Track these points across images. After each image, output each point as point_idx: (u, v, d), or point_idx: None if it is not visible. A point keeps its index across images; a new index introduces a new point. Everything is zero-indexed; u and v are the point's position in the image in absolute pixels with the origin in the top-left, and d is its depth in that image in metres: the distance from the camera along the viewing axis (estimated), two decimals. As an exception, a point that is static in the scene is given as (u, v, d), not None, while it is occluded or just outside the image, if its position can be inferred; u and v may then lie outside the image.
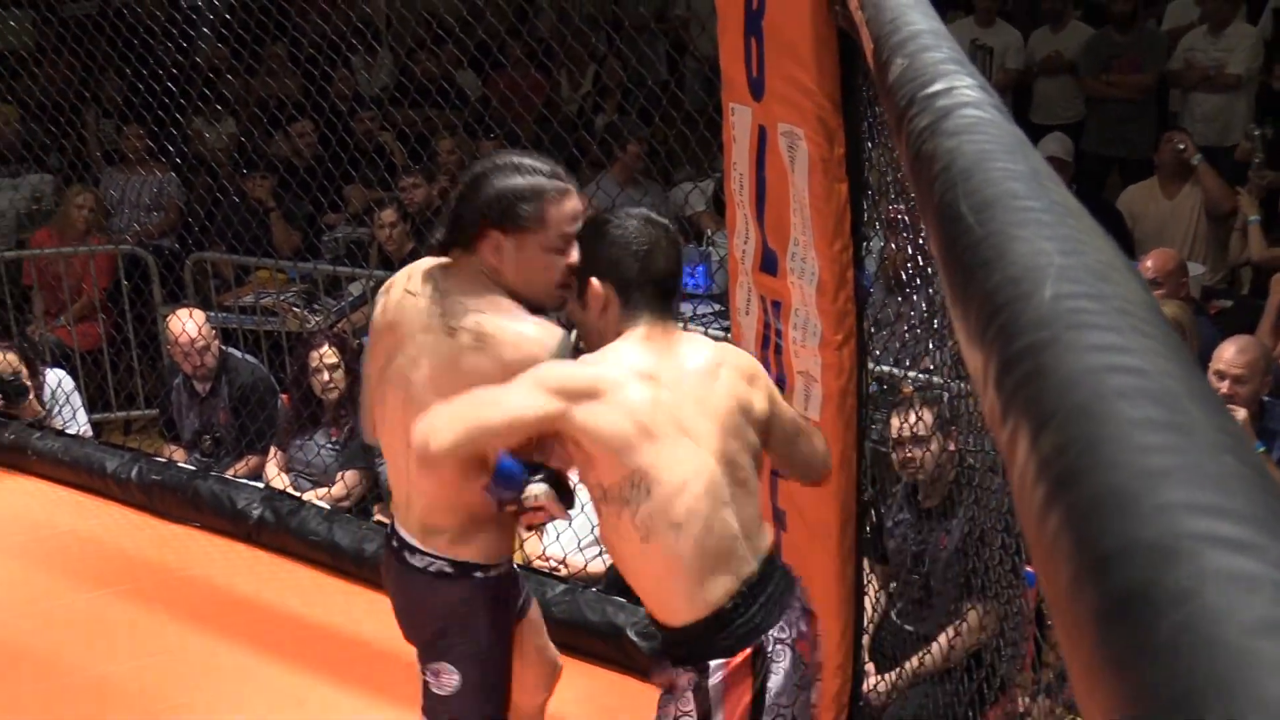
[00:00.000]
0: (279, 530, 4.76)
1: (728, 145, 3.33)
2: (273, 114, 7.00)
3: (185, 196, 7.34)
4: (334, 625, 4.36)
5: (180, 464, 5.27)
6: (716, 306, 5.81)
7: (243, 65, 7.28)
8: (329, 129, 6.18)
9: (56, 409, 5.66)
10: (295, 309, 6.50)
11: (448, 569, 2.69)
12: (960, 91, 1.35)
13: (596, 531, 4.63)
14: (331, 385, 5.17)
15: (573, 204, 2.69)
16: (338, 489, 5.06)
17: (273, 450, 5.36)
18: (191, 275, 6.53)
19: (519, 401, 2.47)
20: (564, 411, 2.46)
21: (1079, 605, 0.55)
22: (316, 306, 6.49)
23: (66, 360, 6.12)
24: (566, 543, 4.67)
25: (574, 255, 2.67)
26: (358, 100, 7.75)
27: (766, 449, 2.72)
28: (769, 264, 3.23)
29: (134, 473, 5.13)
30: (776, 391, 2.74)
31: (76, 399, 5.77)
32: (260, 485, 5.02)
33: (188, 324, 5.49)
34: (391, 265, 6.45)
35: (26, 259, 6.85)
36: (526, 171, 2.67)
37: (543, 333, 2.62)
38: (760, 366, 2.78)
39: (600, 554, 4.65)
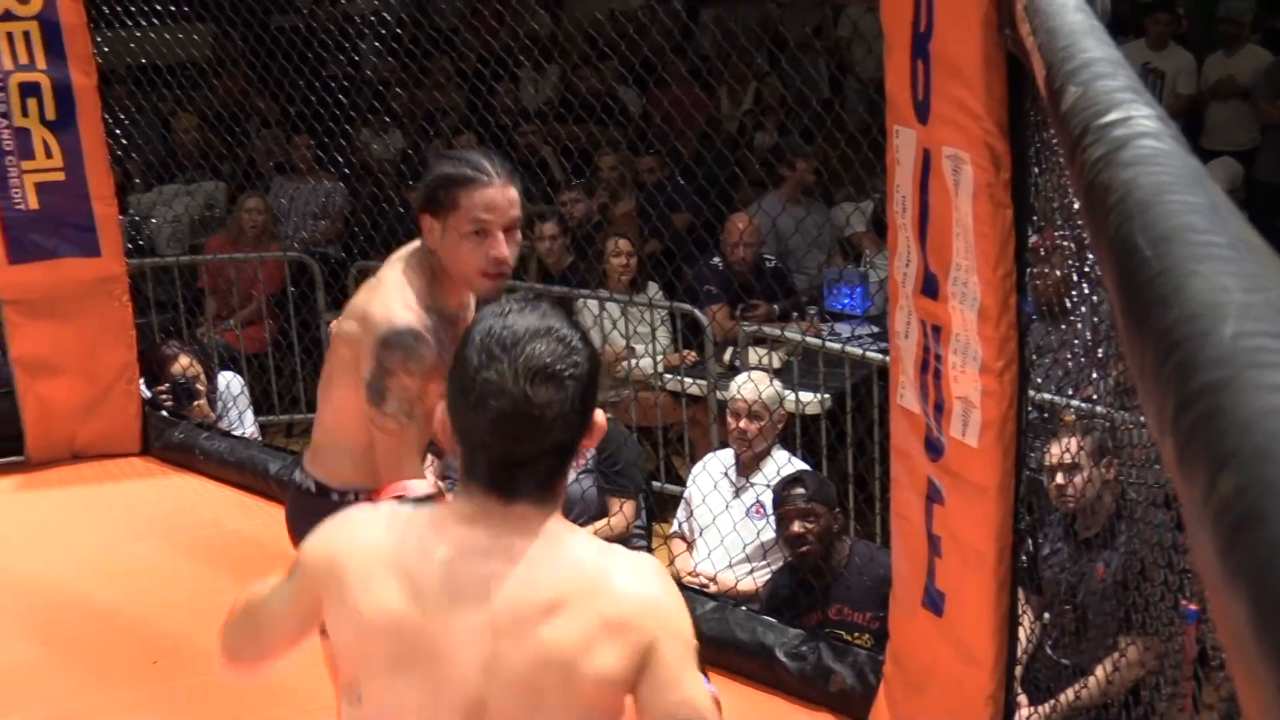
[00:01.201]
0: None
1: (891, 167, 3.31)
2: (438, 126, 7.11)
3: (350, 205, 7.47)
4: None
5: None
6: (875, 329, 5.77)
7: (410, 79, 7.40)
8: (493, 142, 6.27)
9: (225, 410, 5.79)
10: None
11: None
12: (1137, 121, 1.33)
13: (748, 549, 4.64)
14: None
15: (488, 193, 2.79)
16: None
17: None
18: (355, 282, 6.65)
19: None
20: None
21: (1258, 648, 0.55)
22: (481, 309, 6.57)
23: (234, 363, 6.26)
24: (717, 560, 4.67)
25: (501, 248, 2.78)
26: (521, 114, 7.84)
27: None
28: (930, 288, 3.20)
29: (296, 475, 5.22)
30: (666, 657, 1.84)
31: (245, 401, 5.90)
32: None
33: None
34: (551, 277, 6.53)
35: (199, 264, 7.04)
36: (457, 163, 2.86)
37: (385, 316, 2.76)
38: (650, 614, 1.85)
39: (751, 572, 4.64)
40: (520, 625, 1.78)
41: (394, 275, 2.87)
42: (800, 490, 4.26)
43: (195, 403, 5.67)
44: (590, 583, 1.81)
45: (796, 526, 4.23)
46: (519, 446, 1.77)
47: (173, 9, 5.86)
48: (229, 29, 6.91)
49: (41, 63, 5.20)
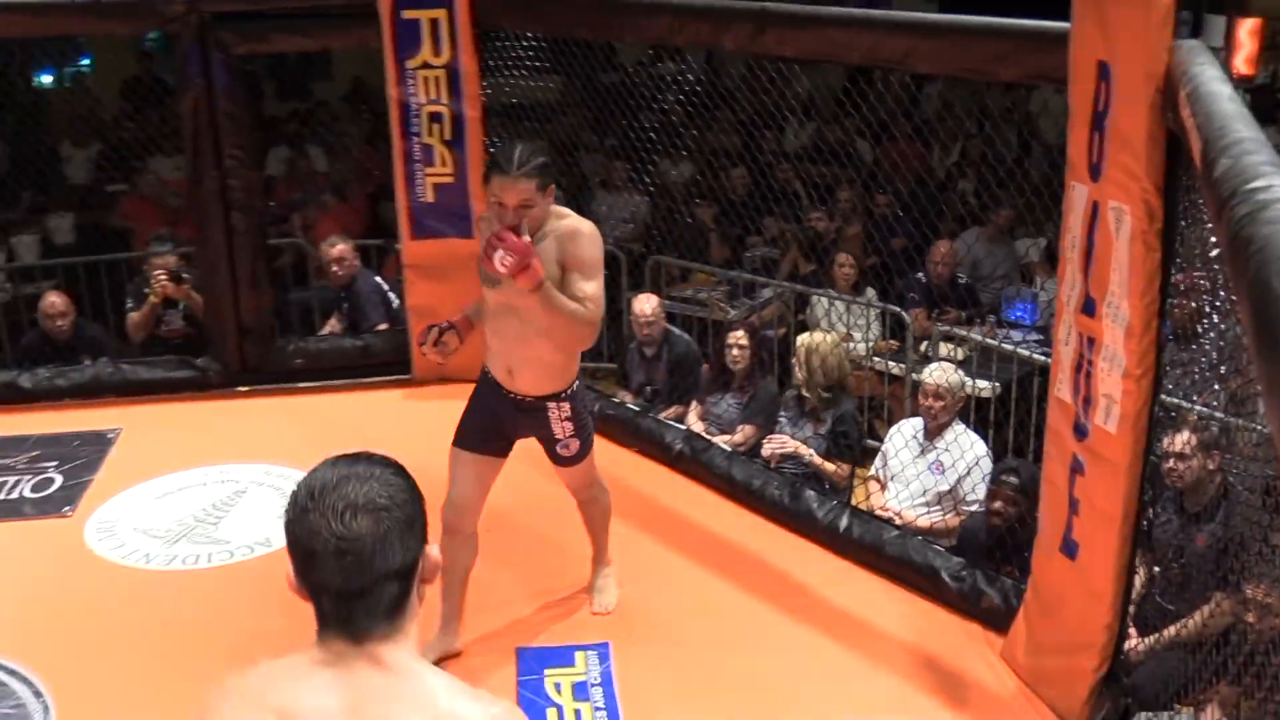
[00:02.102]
0: (693, 462, 4.84)
1: (1066, 214, 3.20)
2: (719, 160, 7.13)
3: (650, 215, 7.56)
4: (721, 535, 4.42)
5: (628, 404, 5.42)
6: (1039, 336, 5.61)
7: (700, 123, 7.44)
8: (760, 175, 6.26)
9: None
10: (720, 303, 6.62)
11: None
12: (1277, 189, 1.28)
13: (927, 495, 4.56)
14: (740, 359, 5.25)
15: (499, 182, 3.06)
16: (738, 437, 5.13)
17: (694, 403, 5.48)
18: (650, 272, 6.74)
19: None
20: None
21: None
22: (735, 303, 6.59)
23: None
24: (902, 500, 4.60)
25: (512, 219, 3.04)
26: (781, 155, 7.80)
27: None
28: (1088, 308, 3.09)
29: (598, 407, 5.29)
30: None
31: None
32: (682, 427, 5.13)
33: (646, 305, 5.68)
34: (795, 277, 6.50)
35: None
36: (500, 149, 3.15)
37: None
38: None
39: (927, 513, 4.56)
40: None
41: None
42: (1013, 479, 4.08)
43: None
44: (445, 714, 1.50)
45: (998, 504, 4.09)
46: (349, 580, 1.48)
47: (535, 66, 5.99)
48: (571, 80, 7.04)
49: (445, 98, 5.39)
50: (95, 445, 5.14)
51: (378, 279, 6.38)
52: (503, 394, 3.44)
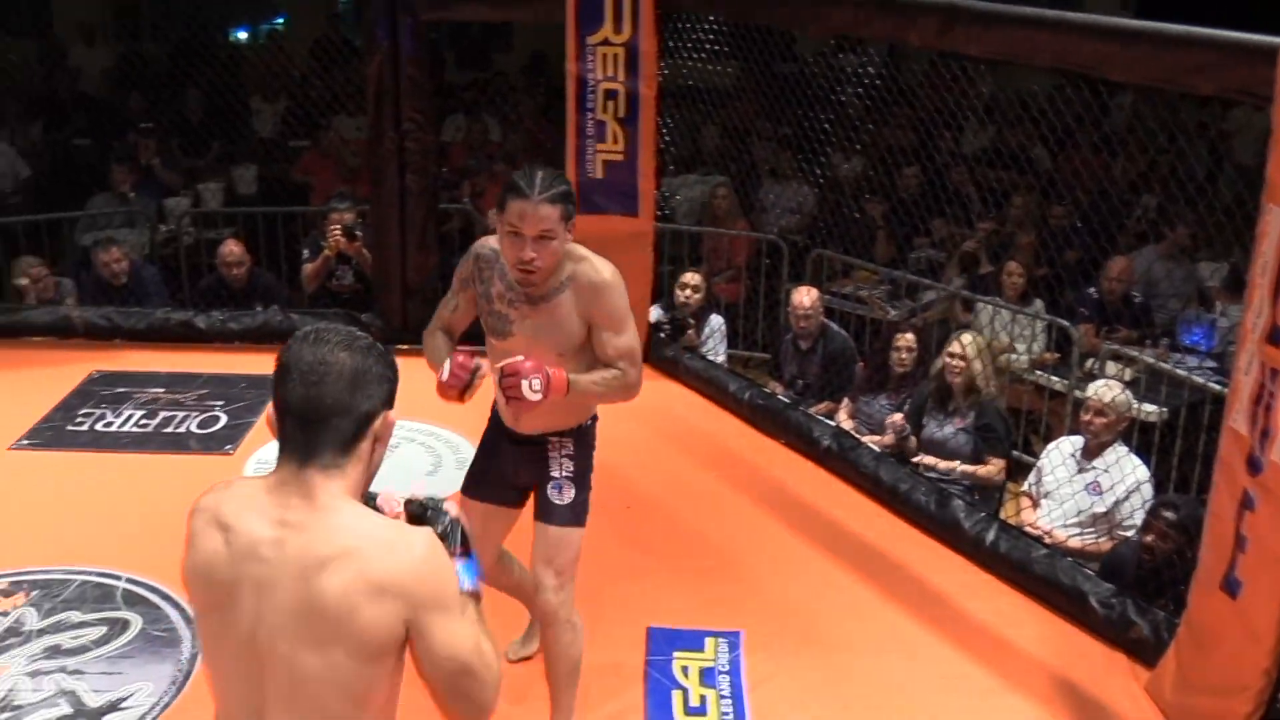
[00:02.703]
0: (840, 460, 4.79)
1: (1260, 238, 3.05)
2: (893, 158, 7.02)
3: (817, 208, 7.49)
4: (862, 536, 4.37)
5: (779, 396, 5.39)
6: (1214, 364, 5.37)
7: (877, 119, 7.33)
8: (934, 175, 6.14)
9: (709, 342, 5.92)
10: (880, 302, 6.53)
11: None
12: None
13: (1080, 516, 4.42)
14: (907, 363, 5.17)
15: (519, 207, 2.66)
16: (889, 438, 5.06)
17: (845, 400, 5.42)
18: (812, 264, 6.68)
19: None
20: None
21: None
22: (896, 303, 6.49)
23: (717, 305, 6.35)
24: (1054, 519, 4.47)
25: (529, 253, 2.67)
26: (956, 157, 7.64)
27: (421, 675, 1.74)
28: (1275, 337, 2.95)
29: (747, 395, 5.31)
30: (441, 622, 1.69)
31: (722, 338, 6.01)
32: (832, 424, 5.08)
33: (805, 298, 5.64)
34: (966, 273, 6.37)
35: (703, 233, 7.21)
36: (520, 174, 2.71)
37: None
38: (418, 582, 1.68)
39: (1080, 534, 4.43)
40: (297, 580, 1.67)
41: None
42: (1171, 514, 3.87)
43: (686, 332, 5.84)
44: (356, 540, 1.68)
45: (1151, 538, 3.92)
46: (309, 406, 1.70)
47: (713, 50, 5.98)
48: (748, 68, 7.01)
49: (622, 76, 5.42)
50: (260, 388, 5.34)
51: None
52: (504, 431, 3.06)
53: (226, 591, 1.72)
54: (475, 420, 5.14)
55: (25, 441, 4.88)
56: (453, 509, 1.85)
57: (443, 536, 1.79)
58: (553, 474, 3.00)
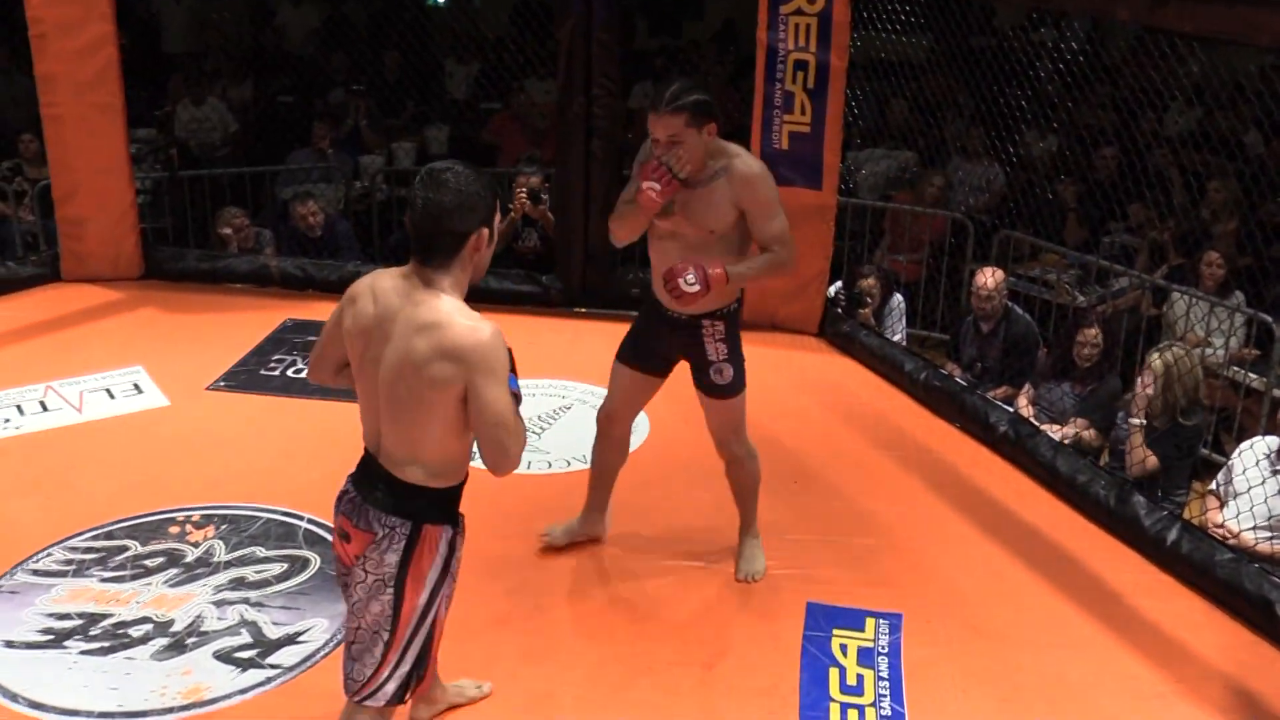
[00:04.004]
0: (1017, 447, 4.67)
1: None
2: (1091, 138, 6.76)
3: (1007, 187, 7.28)
4: (1035, 527, 4.25)
5: (956, 378, 5.28)
6: None
7: (1076, 96, 7.07)
8: (1134, 157, 5.89)
9: (888, 320, 5.83)
10: (1068, 287, 6.32)
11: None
12: None
13: (1272, 519, 4.21)
14: (1091, 358, 5.00)
15: (651, 118, 3.19)
16: (1069, 429, 4.90)
17: (1026, 386, 5.28)
18: (998, 245, 6.51)
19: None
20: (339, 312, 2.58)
21: None
22: (1085, 289, 6.28)
23: (896, 284, 6.25)
24: (1243, 521, 4.27)
25: (663, 154, 3.20)
26: (1158, 139, 7.31)
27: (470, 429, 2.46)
28: None
29: (923, 376, 5.21)
30: (487, 385, 2.38)
31: (901, 316, 5.91)
32: (1010, 409, 4.95)
33: (989, 279, 5.50)
34: (1151, 271, 6.11)
35: (888, 209, 7.09)
36: (658, 91, 3.20)
37: None
38: (474, 353, 2.38)
39: (1270, 539, 4.22)
40: (405, 337, 2.40)
41: None
42: None
43: (862, 310, 5.76)
44: (437, 317, 2.38)
45: None
46: (423, 225, 2.39)
47: (907, 22, 5.85)
48: (942, 41, 6.85)
49: (813, 46, 5.36)
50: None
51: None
52: (662, 312, 3.48)
53: (371, 340, 2.47)
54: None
55: (222, 382, 5.15)
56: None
57: None
58: (710, 358, 3.45)
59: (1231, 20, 3.81)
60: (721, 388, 3.50)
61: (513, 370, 2.48)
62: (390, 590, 2.53)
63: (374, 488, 2.54)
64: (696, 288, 3.18)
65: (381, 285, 2.48)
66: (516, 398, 2.47)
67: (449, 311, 2.40)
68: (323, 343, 2.68)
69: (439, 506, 2.56)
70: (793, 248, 3.35)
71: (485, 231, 2.44)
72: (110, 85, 5.93)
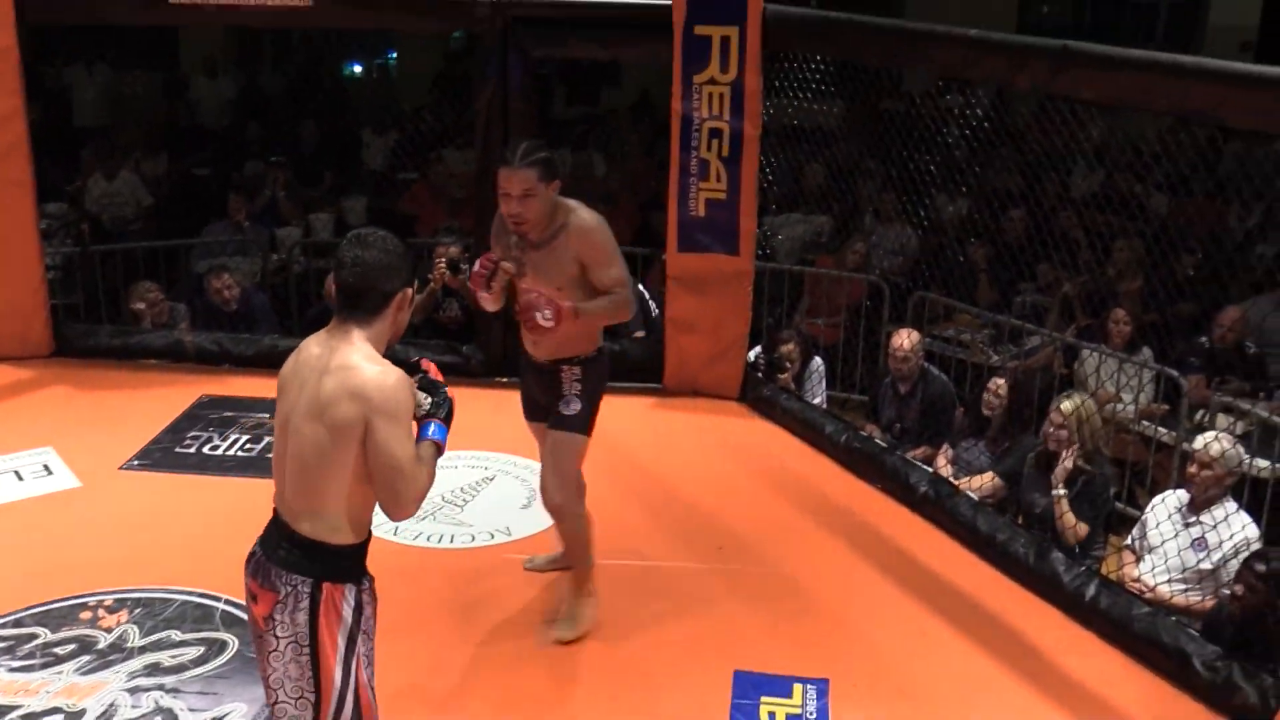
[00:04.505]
0: (937, 507, 4.71)
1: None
2: (1000, 201, 6.92)
3: (920, 250, 7.40)
4: (957, 586, 4.28)
5: (876, 439, 5.32)
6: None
7: (983, 159, 7.25)
8: (1040, 219, 6.04)
9: (808, 384, 5.86)
10: (983, 346, 6.43)
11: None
12: None
13: (1186, 573, 4.29)
14: (995, 406, 5.09)
15: (505, 173, 3.41)
16: (979, 482, 4.97)
17: (945, 446, 5.34)
18: (913, 307, 6.61)
19: None
20: None
21: None
22: (999, 348, 6.39)
23: (817, 346, 6.29)
24: (1158, 575, 4.34)
25: (516, 208, 3.40)
26: (1064, 200, 7.50)
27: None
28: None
29: (844, 438, 5.25)
30: (385, 426, 2.42)
31: (820, 379, 5.94)
32: (929, 469, 5.00)
33: (905, 340, 5.58)
34: (1061, 329, 6.24)
35: (804, 273, 7.17)
36: (508, 148, 3.46)
37: None
38: (377, 394, 2.42)
39: (1185, 591, 4.29)
40: (314, 380, 2.47)
41: None
42: (1262, 566, 3.73)
43: (782, 374, 5.80)
44: (342, 361, 2.45)
45: (1240, 590, 3.79)
46: (352, 282, 2.49)
47: (818, 90, 5.96)
48: (853, 106, 6.98)
49: (726, 115, 5.43)
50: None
51: (640, 287, 6.49)
52: (530, 361, 3.74)
53: (286, 391, 2.56)
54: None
55: (135, 461, 5.03)
56: (446, 392, 2.64)
57: (434, 405, 2.59)
58: (563, 392, 3.65)
59: (1130, 87, 3.96)
60: (563, 417, 3.65)
61: (446, 422, 2.59)
62: (306, 651, 2.50)
63: (277, 546, 2.54)
64: (551, 322, 3.43)
65: (306, 343, 2.58)
66: (439, 449, 2.57)
67: (360, 357, 2.47)
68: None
69: (339, 564, 2.53)
70: (628, 291, 3.61)
71: (408, 292, 2.56)
72: (19, 161, 5.82)
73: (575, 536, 3.80)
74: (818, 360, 5.97)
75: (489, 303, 3.62)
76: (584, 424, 3.66)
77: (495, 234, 3.66)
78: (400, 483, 2.45)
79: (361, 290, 2.49)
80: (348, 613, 2.52)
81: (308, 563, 2.50)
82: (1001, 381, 5.11)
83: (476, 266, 3.53)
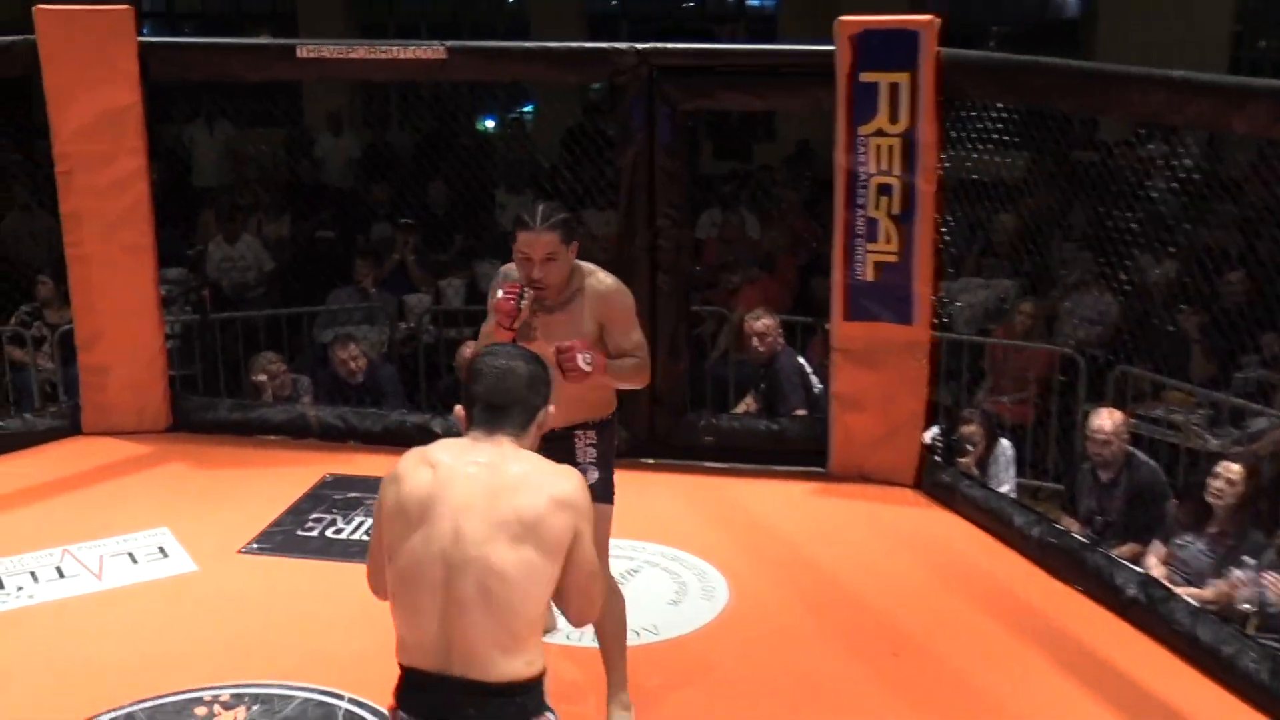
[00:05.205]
0: (1148, 613, 4.54)
1: None
2: (1216, 264, 6.74)
3: (1121, 318, 7.24)
4: (1175, 706, 4.12)
5: (1074, 534, 5.17)
6: None
7: (1194, 215, 7.09)
8: (1264, 282, 5.86)
9: (995, 469, 5.75)
10: (1198, 429, 6.22)
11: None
12: None
13: None
14: (1223, 495, 4.90)
15: (526, 236, 3.53)
16: (1209, 592, 4.77)
17: (1155, 543, 5.17)
18: (1115, 383, 6.45)
19: None
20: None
21: None
22: (1217, 430, 6.18)
23: (1003, 427, 6.18)
24: None
25: (538, 273, 3.53)
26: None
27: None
28: None
29: (1036, 531, 5.12)
30: (588, 532, 2.50)
31: (1009, 464, 5.84)
32: (1138, 569, 4.83)
33: (1105, 421, 5.43)
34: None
35: (988, 344, 7.06)
36: (524, 209, 3.59)
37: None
38: (583, 500, 2.50)
39: None
40: (490, 499, 2.44)
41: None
42: None
43: (964, 458, 5.71)
44: (535, 469, 2.49)
45: None
46: (498, 397, 2.53)
47: (1000, 139, 5.90)
48: (1039, 157, 6.90)
49: (897, 169, 5.42)
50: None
51: (801, 360, 6.49)
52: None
53: (429, 513, 2.45)
54: (725, 545, 5.16)
55: (255, 545, 5.19)
56: None
57: None
58: (579, 460, 3.73)
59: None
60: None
61: None
62: None
63: (459, 706, 2.44)
64: (591, 367, 3.53)
65: (437, 456, 2.52)
66: None
67: (541, 465, 2.52)
68: (374, 546, 2.63)
69: (539, 694, 2.51)
70: (648, 357, 3.79)
71: (551, 409, 2.64)
72: (140, 224, 6.14)
73: (610, 619, 3.78)
74: (1005, 443, 5.86)
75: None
76: (608, 491, 3.79)
77: (492, 296, 3.75)
78: (596, 585, 2.56)
79: (511, 404, 2.54)
80: None
81: (509, 707, 2.46)
82: (1237, 468, 4.92)
83: (501, 295, 3.59)
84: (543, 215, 3.55)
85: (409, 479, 2.50)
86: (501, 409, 2.53)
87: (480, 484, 2.46)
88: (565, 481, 2.50)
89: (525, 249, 3.55)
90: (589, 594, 2.54)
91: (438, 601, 2.43)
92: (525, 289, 3.57)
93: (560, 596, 2.53)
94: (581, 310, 3.67)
